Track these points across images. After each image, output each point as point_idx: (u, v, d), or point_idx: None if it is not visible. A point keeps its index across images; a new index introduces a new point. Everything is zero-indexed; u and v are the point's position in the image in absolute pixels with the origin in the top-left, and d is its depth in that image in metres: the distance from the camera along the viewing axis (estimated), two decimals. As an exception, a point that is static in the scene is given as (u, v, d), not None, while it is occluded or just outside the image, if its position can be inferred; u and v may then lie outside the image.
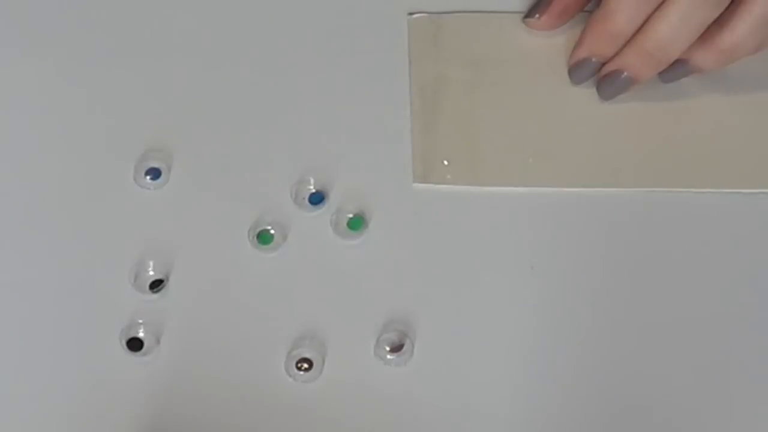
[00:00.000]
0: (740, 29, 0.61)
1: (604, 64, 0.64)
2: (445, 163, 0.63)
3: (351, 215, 0.61)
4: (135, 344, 0.58)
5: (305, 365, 0.58)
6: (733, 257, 0.61)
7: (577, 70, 0.64)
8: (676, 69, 0.63)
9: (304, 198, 0.62)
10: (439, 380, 0.58)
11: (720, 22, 0.61)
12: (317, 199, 0.61)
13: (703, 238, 0.62)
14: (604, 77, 0.64)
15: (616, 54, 0.63)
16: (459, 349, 0.59)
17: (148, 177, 0.62)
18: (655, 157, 0.63)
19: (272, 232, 0.61)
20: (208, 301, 0.60)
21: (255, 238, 0.61)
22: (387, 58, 0.65)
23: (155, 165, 0.62)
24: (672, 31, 0.61)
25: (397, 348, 0.58)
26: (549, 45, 0.66)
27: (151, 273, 0.60)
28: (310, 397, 0.58)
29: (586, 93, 0.65)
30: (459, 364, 0.59)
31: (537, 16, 0.66)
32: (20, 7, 0.66)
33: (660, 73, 0.63)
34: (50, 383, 0.58)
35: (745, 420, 0.58)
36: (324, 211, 0.61)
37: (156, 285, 0.60)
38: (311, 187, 0.61)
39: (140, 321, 0.58)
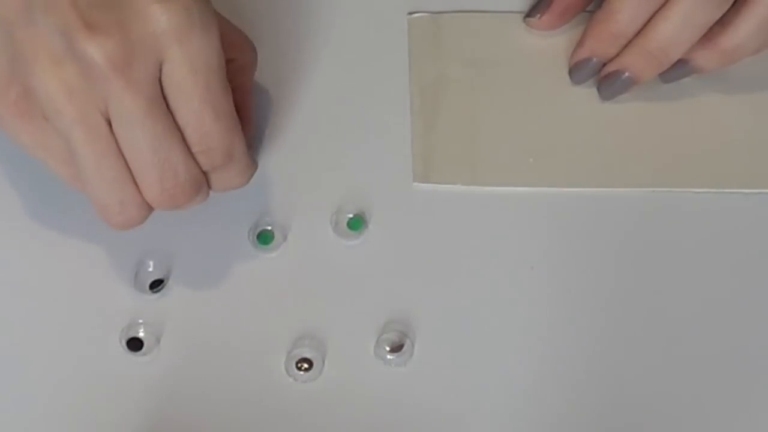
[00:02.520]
0: (743, 30, 0.61)
1: (605, 64, 0.64)
2: (445, 163, 0.63)
3: (351, 215, 0.61)
4: (135, 344, 0.58)
5: (305, 365, 0.58)
6: (733, 257, 0.61)
7: (577, 70, 0.64)
8: (677, 69, 0.63)
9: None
10: (439, 380, 0.58)
11: (722, 23, 0.61)
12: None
13: (703, 238, 0.62)
14: (604, 77, 0.64)
15: (618, 54, 0.63)
16: (459, 349, 0.59)
17: (147, 177, 0.62)
18: (655, 157, 0.63)
19: (272, 232, 0.61)
20: (208, 301, 0.60)
21: (255, 238, 0.61)
22: (387, 58, 0.65)
23: (155, 165, 0.62)
24: (674, 32, 0.61)
25: (397, 348, 0.58)
26: (549, 45, 0.66)
27: (151, 273, 0.60)
28: (310, 397, 0.58)
29: (587, 93, 0.65)
30: (459, 364, 0.59)
31: (538, 15, 0.66)
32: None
33: (661, 74, 0.63)
34: (50, 383, 0.58)
35: (745, 418, 0.58)
36: (324, 210, 0.61)
37: (156, 285, 0.60)
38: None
39: (140, 321, 0.58)
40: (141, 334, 0.58)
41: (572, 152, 0.63)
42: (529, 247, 0.61)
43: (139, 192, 0.54)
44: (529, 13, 0.66)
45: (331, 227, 0.61)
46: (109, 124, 0.52)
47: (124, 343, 0.58)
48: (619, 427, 0.58)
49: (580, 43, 0.64)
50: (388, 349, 0.59)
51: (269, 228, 0.61)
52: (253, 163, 0.57)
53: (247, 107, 0.60)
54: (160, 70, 0.52)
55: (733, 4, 0.61)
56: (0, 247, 0.61)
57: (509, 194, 0.62)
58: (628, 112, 0.64)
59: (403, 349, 0.58)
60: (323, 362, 0.58)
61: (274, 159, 0.63)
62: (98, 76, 0.50)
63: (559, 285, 0.60)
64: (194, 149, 0.53)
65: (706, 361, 0.59)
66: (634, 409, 0.58)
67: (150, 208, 0.55)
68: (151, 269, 0.60)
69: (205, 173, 0.55)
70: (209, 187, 0.56)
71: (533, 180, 0.63)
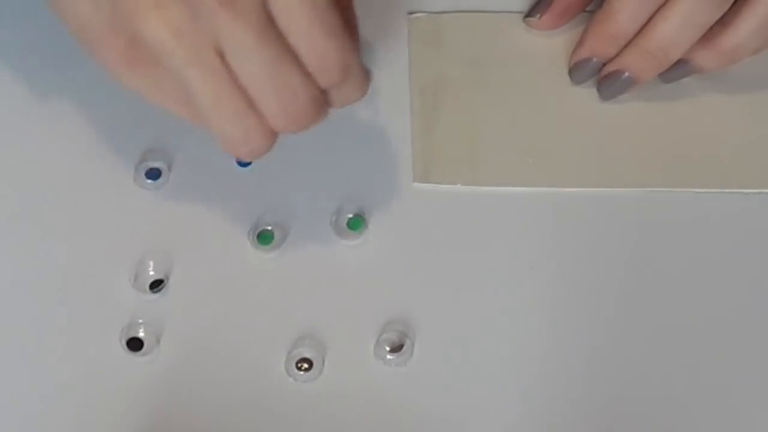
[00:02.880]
0: (743, 30, 0.61)
1: (605, 64, 0.64)
2: (445, 163, 0.63)
3: (351, 215, 0.61)
4: (135, 344, 0.58)
5: (305, 365, 0.58)
6: (733, 257, 0.61)
7: (577, 70, 0.64)
8: (677, 69, 0.63)
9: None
10: (439, 380, 0.58)
11: (723, 23, 0.61)
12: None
13: (703, 238, 0.62)
14: (604, 77, 0.64)
15: (618, 54, 0.63)
16: (459, 349, 0.59)
17: (148, 177, 0.62)
18: (655, 157, 0.63)
19: (272, 232, 0.61)
20: (208, 301, 0.60)
21: (255, 238, 0.61)
22: (387, 58, 0.65)
23: (155, 165, 0.62)
24: (674, 31, 0.61)
25: (397, 348, 0.58)
26: (549, 45, 0.66)
27: (151, 273, 0.60)
28: (310, 397, 0.58)
29: (587, 93, 0.65)
30: (459, 364, 0.59)
31: (538, 15, 0.66)
32: (21, 6, 0.66)
33: (661, 73, 0.63)
34: (50, 383, 0.58)
35: (746, 419, 0.58)
36: (324, 210, 0.61)
37: (156, 285, 0.60)
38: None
39: (140, 321, 0.58)
40: (141, 334, 0.58)
41: (572, 152, 0.64)
42: (529, 247, 0.61)
43: (262, 119, 0.53)
44: (529, 13, 0.66)
45: (331, 227, 0.61)
46: (221, 56, 0.51)
47: (124, 343, 0.58)
48: (620, 427, 0.58)
49: (580, 43, 0.64)
50: (388, 349, 0.59)
51: (269, 228, 0.61)
52: (368, 73, 0.56)
53: (352, 15, 0.58)
54: None
55: (733, 4, 0.60)
56: (0, 248, 0.61)
57: (509, 194, 0.62)
58: (628, 112, 0.64)
59: (403, 349, 0.58)
60: (323, 362, 0.58)
61: (274, 159, 0.63)
62: (205, 12, 0.50)
63: (559, 285, 0.60)
64: (311, 69, 0.53)
65: (707, 360, 0.59)
66: (636, 409, 0.58)
67: (275, 134, 0.54)
68: (151, 269, 0.60)
69: (322, 92, 0.54)
70: (329, 104, 0.55)
71: (533, 180, 0.63)
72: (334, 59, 0.53)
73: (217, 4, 0.50)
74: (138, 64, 0.52)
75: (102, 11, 0.52)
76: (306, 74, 0.53)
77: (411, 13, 0.66)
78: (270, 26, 0.51)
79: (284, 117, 0.53)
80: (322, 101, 0.54)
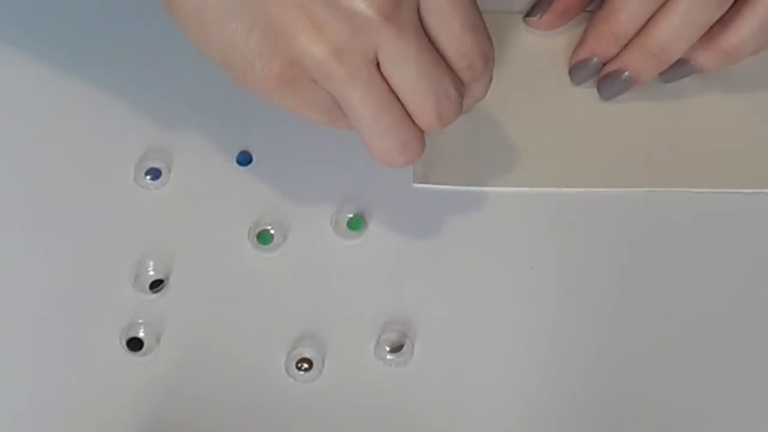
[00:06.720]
0: (744, 30, 0.61)
1: (605, 64, 0.64)
2: (445, 163, 0.63)
3: (351, 215, 0.61)
4: (135, 344, 0.58)
5: (305, 365, 0.58)
6: (733, 257, 0.61)
7: (578, 70, 0.64)
8: (677, 69, 0.63)
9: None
10: (439, 380, 0.58)
11: (723, 22, 0.61)
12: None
13: (703, 238, 0.62)
14: (605, 77, 0.64)
15: (618, 54, 0.63)
16: (459, 349, 0.59)
17: (148, 177, 0.62)
18: (655, 157, 0.63)
19: (272, 232, 0.61)
20: (208, 301, 0.60)
21: (255, 238, 0.61)
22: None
23: (155, 165, 0.62)
24: (674, 31, 0.61)
25: (397, 348, 0.59)
26: (549, 45, 0.66)
27: (151, 273, 0.60)
28: (310, 397, 0.58)
29: (587, 93, 0.65)
30: (459, 365, 0.59)
31: (538, 15, 0.66)
32: (20, 6, 0.67)
33: (661, 73, 0.63)
34: (50, 383, 0.58)
35: (744, 417, 0.58)
36: (324, 210, 0.61)
37: (156, 285, 0.60)
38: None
39: (140, 321, 0.58)
40: (141, 334, 0.58)
41: (572, 152, 0.63)
42: (529, 247, 0.61)
43: (417, 127, 0.54)
44: (529, 13, 0.66)
45: (331, 227, 0.61)
46: (377, 67, 0.52)
47: (124, 343, 0.58)
48: (620, 426, 0.58)
49: (580, 43, 0.65)
50: (388, 349, 0.59)
51: (269, 228, 0.61)
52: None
53: None
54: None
55: (734, 4, 0.61)
56: (0, 248, 0.61)
57: (509, 194, 0.62)
58: (628, 112, 0.64)
59: (403, 349, 0.58)
60: (323, 362, 0.58)
61: (274, 159, 0.63)
62: (368, 28, 0.51)
63: (558, 285, 0.60)
64: (457, 66, 0.54)
65: (706, 360, 0.59)
66: (636, 409, 0.58)
67: (423, 137, 0.55)
68: (151, 269, 0.60)
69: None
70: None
71: (533, 180, 0.63)
72: (477, 54, 0.54)
73: (382, 20, 0.51)
74: (290, 85, 0.53)
75: (254, 34, 0.52)
76: (454, 74, 0.54)
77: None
78: (424, 35, 0.52)
79: (437, 118, 0.54)
80: (462, 97, 0.55)
